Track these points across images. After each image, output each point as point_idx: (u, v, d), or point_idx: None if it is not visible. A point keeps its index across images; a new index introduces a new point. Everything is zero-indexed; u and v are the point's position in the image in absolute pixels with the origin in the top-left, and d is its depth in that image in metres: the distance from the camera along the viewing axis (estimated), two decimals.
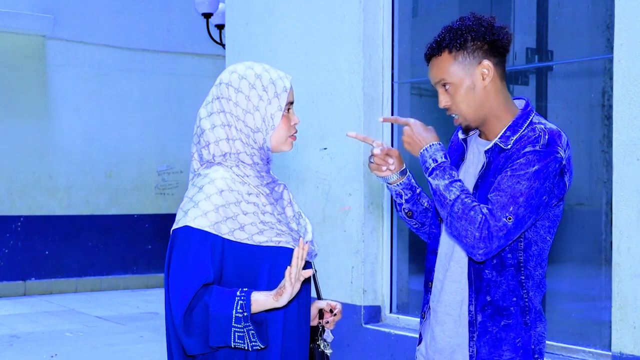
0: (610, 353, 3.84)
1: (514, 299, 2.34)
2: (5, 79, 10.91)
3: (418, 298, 5.29)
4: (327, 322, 2.48)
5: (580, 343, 4.28)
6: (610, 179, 3.88)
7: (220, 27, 9.59)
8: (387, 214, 5.27)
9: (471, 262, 2.38)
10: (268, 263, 2.21)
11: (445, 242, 2.47)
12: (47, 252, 11.28)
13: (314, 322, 2.47)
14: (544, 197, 2.26)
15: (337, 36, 5.36)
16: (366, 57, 5.22)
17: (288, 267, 2.11)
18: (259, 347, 2.14)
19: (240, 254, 2.19)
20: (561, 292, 6.38)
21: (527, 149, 2.26)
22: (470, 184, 2.41)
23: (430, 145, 2.36)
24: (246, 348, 2.13)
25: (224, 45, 8.45)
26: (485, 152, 2.38)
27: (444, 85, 2.37)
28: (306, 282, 2.37)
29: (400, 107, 5.38)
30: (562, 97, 6.71)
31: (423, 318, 2.57)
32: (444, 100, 2.39)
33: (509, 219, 2.21)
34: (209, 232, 2.14)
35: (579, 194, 6.80)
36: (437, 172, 2.32)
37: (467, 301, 2.39)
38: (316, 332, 2.45)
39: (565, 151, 2.29)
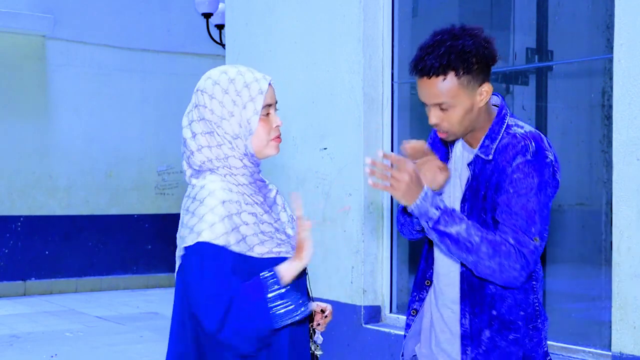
0: (610, 353, 3.84)
1: (521, 312, 2.34)
2: (5, 79, 10.91)
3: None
4: (319, 324, 2.47)
5: (580, 343, 4.28)
6: (610, 179, 3.88)
7: (220, 27, 9.59)
8: (387, 213, 5.27)
9: (465, 278, 2.37)
10: None
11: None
12: (47, 252, 11.28)
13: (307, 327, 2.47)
14: (549, 204, 2.28)
15: (337, 36, 5.36)
16: (366, 57, 5.22)
17: (298, 220, 2.15)
18: (305, 310, 2.15)
19: (244, 266, 2.18)
20: (561, 292, 6.38)
21: (518, 161, 2.23)
22: (456, 192, 2.39)
23: (425, 194, 2.22)
24: (296, 317, 2.13)
25: (224, 45, 8.45)
26: (469, 165, 2.36)
27: (440, 105, 2.29)
28: (302, 284, 2.36)
29: (400, 107, 5.38)
30: (562, 97, 6.71)
31: (413, 315, 2.56)
32: (435, 119, 2.31)
33: (536, 239, 2.22)
34: (217, 245, 2.12)
35: (579, 194, 6.80)
36: (446, 218, 2.22)
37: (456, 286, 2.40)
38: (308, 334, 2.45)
39: (551, 151, 2.29)
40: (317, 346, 2.46)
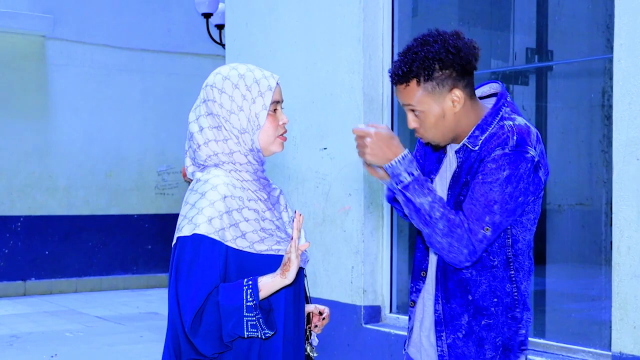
0: (610, 353, 3.84)
1: (495, 299, 2.35)
2: (5, 79, 10.92)
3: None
4: (316, 326, 2.47)
5: (580, 343, 4.28)
6: (610, 178, 3.88)
7: (220, 27, 9.59)
8: (387, 214, 5.27)
9: (439, 264, 2.39)
10: (268, 271, 2.19)
11: None
12: (47, 252, 11.28)
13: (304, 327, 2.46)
14: (520, 198, 2.25)
15: (337, 36, 5.36)
16: (366, 57, 5.22)
17: (290, 240, 2.14)
18: (269, 334, 2.15)
19: (242, 262, 2.18)
20: (561, 292, 6.38)
21: (496, 152, 2.24)
22: (445, 187, 2.41)
23: (403, 157, 2.26)
24: (259, 336, 2.13)
25: (223, 45, 8.45)
26: (456, 152, 2.37)
27: (412, 109, 2.32)
28: (299, 284, 2.36)
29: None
30: (562, 97, 6.71)
31: (412, 307, 2.56)
32: (412, 123, 2.34)
33: (487, 229, 2.23)
34: (215, 239, 2.13)
35: (579, 194, 6.80)
36: (416, 186, 2.25)
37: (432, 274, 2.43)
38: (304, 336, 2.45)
39: (535, 148, 2.27)
40: (313, 348, 2.46)
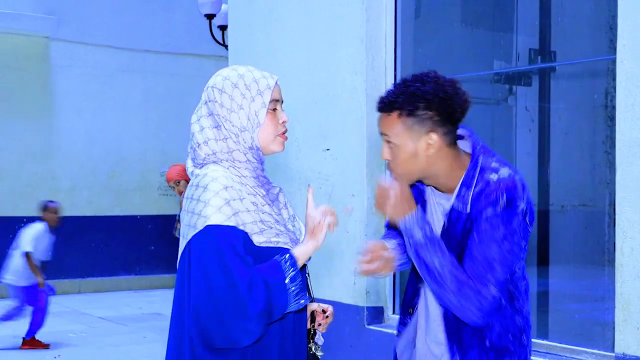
0: (613, 354, 3.84)
1: (510, 336, 2.36)
2: (9, 80, 10.93)
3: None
4: (320, 324, 2.48)
5: (583, 344, 4.27)
6: (613, 180, 3.87)
7: (223, 28, 9.59)
8: None
9: (449, 319, 2.38)
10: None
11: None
12: (50, 253, 11.27)
13: (307, 324, 2.46)
14: (515, 249, 2.26)
15: (340, 37, 5.36)
16: (369, 58, 5.22)
17: (310, 208, 2.26)
18: (308, 301, 2.22)
19: (248, 249, 2.19)
20: (564, 293, 6.38)
21: (488, 211, 2.23)
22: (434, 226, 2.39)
23: (416, 214, 2.29)
24: (301, 304, 2.18)
25: (226, 46, 8.45)
26: (445, 215, 2.35)
27: (387, 140, 2.31)
28: (303, 278, 2.37)
29: None
30: (565, 98, 6.71)
31: (397, 336, 2.57)
32: (385, 154, 2.33)
33: (491, 287, 2.24)
34: (227, 225, 2.14)
35: (582, 195, 6.80)
36: (429, 245, 2.26)
37: (440, 326, 2.41)
38: (308, 335, 2.45)
39: (524, 198, 2.25)
40: (318, 347, 2.46)
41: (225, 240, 2.12)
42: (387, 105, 2.29)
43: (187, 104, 11.97)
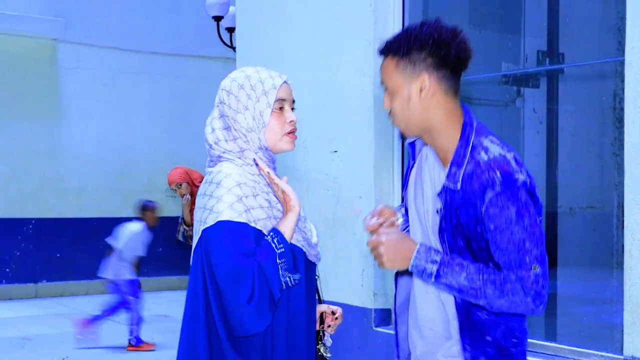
0: (622, 357, 3.83)
1: (514, 339, 2.28)
2: (17, 82, 10.96)
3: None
4: (329, 326, 2.48)
5: (592, 346, 4.26)
6: (621, 181, 3.86)
7: (231, 30, 9.60)
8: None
9: (461, 308, 2.29)
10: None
11: None
12: (58, 255, 11.31)
13: (316, 325, 2.47)
14: (537, 220, 2.19)
15: (348, 39, 5.36)
16: (376, 60, 5.21)
17: (272, 182, 2.27)
18: (297, 278, 2.21)
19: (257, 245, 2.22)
20: (572, 296, 6.36)
21: (489, 195, 2.14)
22: (428, 201, 2.32)
23: (417, 252, 2.20)
24: (291, 283, 2.19)
25: (234, 48, 8.46)
26: (439, 195, 2.26)
27: (386, 87, 2.26)
28: (311, 282, 2.38)
29: None
30: (573, 100, 6.70)
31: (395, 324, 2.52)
32: (386, 103, 2.27)
33: (535, 267, 2.15)
34: (240, 222, 2.17)
35: (590, 197, 6.78)
36: (445, 270, 2.18)
37: (453, 319, 2.32)
38: (317, 336, 2.45)
39: (521, 172, 2.17)
40: (327, 348, 2.46)
41: (234, 236, 2.15)
42: (384, 49, 2.24)
43: (194, 106, 11.99)
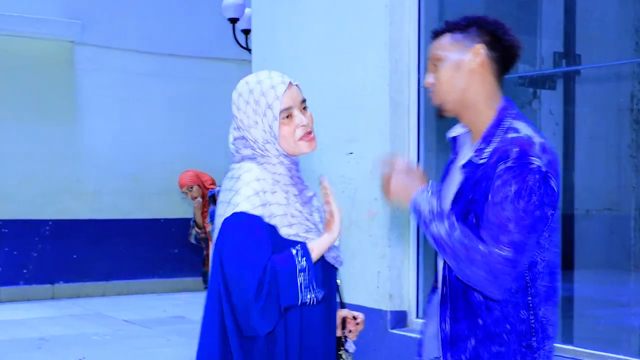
0: None
1: (507, 325, 2.21)
2: (34, 84, 11.02)
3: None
4: (350, 331, 2.47)
5: (609, 349, 4.24)
6: (639, 183, 3.84)
7: (247, 32, 9.62)
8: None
9: (446, 281, 2.29)
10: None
11: None
12: (75, 256, 11.37)
13: (337, 331, 2.45)
14: (536, 212, 2.12)
15: (363, 41, 5.36)
16: (392, 61, 5.22)
17: (327, 200, 2.28)
18: (320, 295, 2.21)
19: (274, 241, 2.22)
20: (589, 298, 6.33)
21: (499, 168, 2.13)
22: (450, 195, 2.31)
23: (421, 192, 2.24)
24: (310, 301, 2.18)
25: (250, 50, 8.49)
26: (462, 167, 2.27)
27: (435, 62, 2.29)
28: (331, 286, 2.37)
29: (427, 112, 5.37)
30: (590, 101, 6.67)
31: (425, 320, 2.51)
32: (429, 79, 2.31)
33: (505, 250, 2.09)
34: (253, 215, 2.19)
35: (607, 199, 6.74)
36: (436, 218, 2.19)
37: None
38: (339, 342, 2.44)
39: (541, 158, 2.13)
40: (349, 355, 2.46)
41: (248, 229, 2.17)
42: (441, 28, 2.32)
43: (211, 107, 12.02)
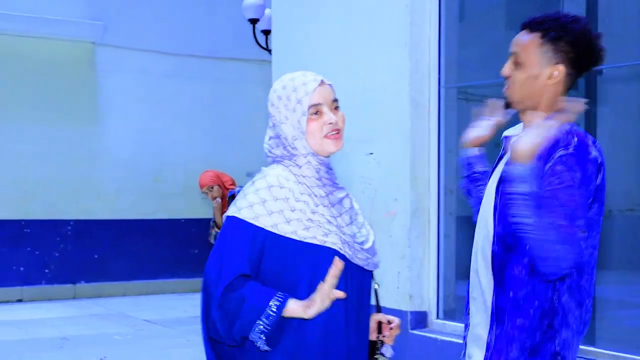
0: None
1: (536, 301, 2.29)
2: (56, 85, 11.10)
3: (465, 304, 5.24)
4: (384, 336, 2.46)
5: (632, 351, 4.21)
6: None
7: (267, 32, 9.64)
8: (434, 218, 5.25)
9: (495, 255, 2.34)
10: (310, 260, 2.21)
11: (478, 230, 2.47)
12: (96, 256, 11.43)
13: (372, 335, 2.45)
14: (590, 200, 2.25)
15: (384, 41, 5.36)
16: (412, 62, 5.21)
17: (321, 282, 2.15)
18: (266, 349, 2.18)
19: (283, 248, 2.21)
20: (612, 300, 6.29)
21: (560, 153, 2.22)
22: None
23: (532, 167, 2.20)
24: (256, 344, 2.16)
25: (270, 51, 8.50)
26: (512, 144, 2.30)
27: (516, 59, 2.37)
28: (363, 290, 2.37)
29: (447, 112, 5.36)
30: (612, 101, 6.63)
31: (468, 315, 2.54)
32: (507, 70, 2.39)
33: (583, 232, 2.19)
34: (251, 224, 2.20)
35: (629, 200, 6.70)
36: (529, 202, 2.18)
37: (489, 292, 2.38)
38: (374, 346, 2.44)
39: (597, 150, 2.26)
40: (386, 359, 2.46)
41: (236, 236, 2.20)
42: (535, 23, 2.36)
43: (231, 108, 12.05)
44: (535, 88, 2.35)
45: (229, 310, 2.15)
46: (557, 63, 2.32)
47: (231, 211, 2.25)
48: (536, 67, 2.34)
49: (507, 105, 2.44)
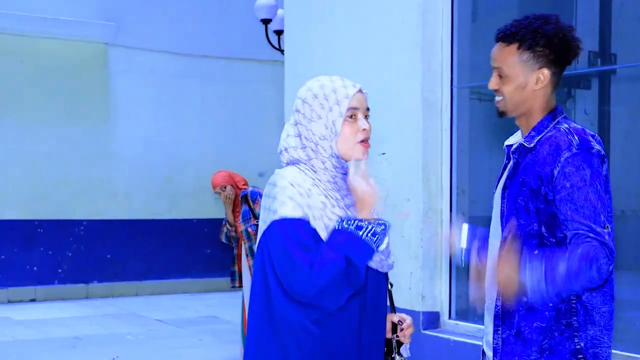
0: None
1: (550, 304, 2.32)
2: (68, 86, 11.14)
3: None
4: (397, 335, 2.47)
5: None
6: None
7: (279, 32, 9.63)
8: (446, 219, 5.23)
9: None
10: None
11: (492, 233, 2.51)
12: (108, 256, 11.46)
13: (387, 335, 2.47)
14: (605, 194, 2.32)
15: (396, 41, 5.35)
16: (425, 62, 5.20)
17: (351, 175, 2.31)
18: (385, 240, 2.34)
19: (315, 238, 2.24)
20: (625, 300, 6.25)
21: (565, 155, 2.28)
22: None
23: (524, 274, 2.24)
24: (382, 245, 2.33)
25: (282, 51, 8.50)
26: (512, 152, 2.44)
27: (500, 73, 2.43)
28: (381, 294, 2.37)
29: (460, 112, 5.34)
30: (626, 101, 6.60)
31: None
32: (494, 83, 2.45)
33: (607, 227, 2.26)
34: (297, 218, 2.21)
35: None
36: (542, 281, 2.22)
37: (494, 296, 2.43)
38: (390, 346, 2.45)
39: (598, 144, 2.33)
40: (403, 359, 2.47)
41: (290, 233, 2.19)
42: (508, 36, 2.42)
43: (243, 108, 12.06)
44: (525, 96, 2.41)
45: (327, 271, 2.15)
46: (540, 68, 2.39)
47: (270, 218, 2.23)
48: (521, 76, 2.40)
49: (502, 115, 2.49)
